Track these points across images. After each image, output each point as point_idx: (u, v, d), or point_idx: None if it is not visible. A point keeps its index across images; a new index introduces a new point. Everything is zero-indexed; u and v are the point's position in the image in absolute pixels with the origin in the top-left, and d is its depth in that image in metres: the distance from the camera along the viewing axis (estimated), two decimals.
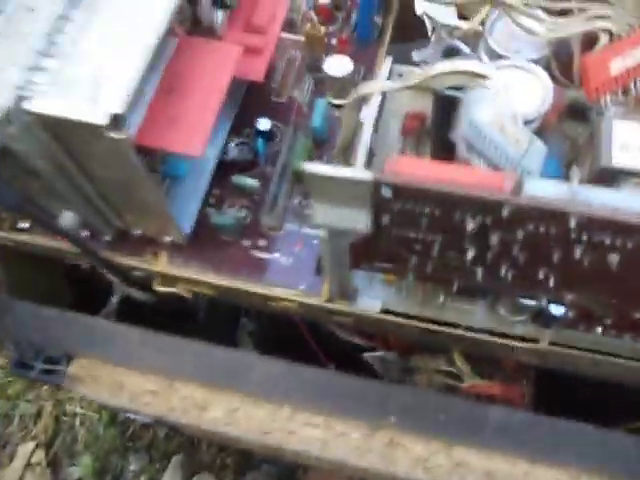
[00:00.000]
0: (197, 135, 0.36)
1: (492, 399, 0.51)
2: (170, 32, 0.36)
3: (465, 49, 0.37)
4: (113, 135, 0.31)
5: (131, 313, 0.60)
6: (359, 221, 0.29)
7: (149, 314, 0.53)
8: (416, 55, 0.38)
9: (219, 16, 0.43)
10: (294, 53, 0.56)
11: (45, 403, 0.99)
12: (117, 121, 0.31)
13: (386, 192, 0.26)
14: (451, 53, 0.37)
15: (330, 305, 0.42)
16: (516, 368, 0.51)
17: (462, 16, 0.45)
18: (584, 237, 0.26)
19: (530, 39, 0.38)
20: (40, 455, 0.99)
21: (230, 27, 0.46)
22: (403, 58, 0.56)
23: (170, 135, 0.36)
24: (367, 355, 0.59)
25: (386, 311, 0.42)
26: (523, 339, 0.41)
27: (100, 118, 0.31)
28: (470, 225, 0.27)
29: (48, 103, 0.32)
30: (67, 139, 0.33)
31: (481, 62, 0.36)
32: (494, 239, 0.28)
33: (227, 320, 0.83)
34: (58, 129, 0.32)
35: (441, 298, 0.41)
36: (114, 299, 0.57)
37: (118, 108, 0.31)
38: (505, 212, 0.26)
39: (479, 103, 0.29)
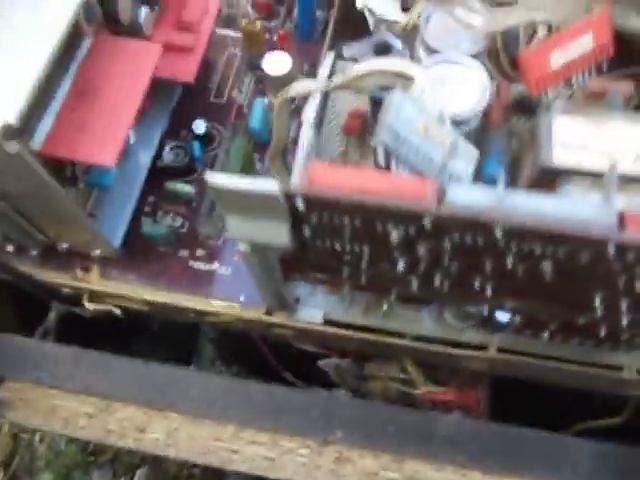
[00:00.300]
0: (110, 143, 0.33)
1: (448, 405, 0.49)
2: (79, 32, 0.33)
3: (397, 44, 0.35)
4: (7, 149, 0.28)
5: (75, 328, 0.57)
6: (278, 235, 0.26)
7: (96, 327, 0.50)
8: (346, 51, 0.36)
9: (143, 13, 0.40)
10: (234, 51, 0.53)
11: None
12: (11, 132, 0.28)
13: (299, 204, 0.24)
14: (382, 48, 0.35)
15: (269, 318, 0.39)
16: (471, 373, 0.49)
17: (405, 9, 0.43)
18: (513, 246, 0.24)
19: (468, 32, 0.36)
20: None
21: (159, 25, 0.43)
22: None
23: (80, 143, 0.33)
24: (322, 362, 0.57)
25: (328, 321, 0.40)
26: (471, 346, 0.39)
27: None
28: (394, 236, 0.25)
29: None
30: None
31: (409, 59, 0.34)
32: (421, 250, 0.26)
33: (185, 327, 0.80)
34: None
35: (385, 306, 0.39)
36: (52, 315, 0.54)
37: (10, 118, 0.28)
38: (427, 223, 0.24)
39: (400, 104, 0.27)
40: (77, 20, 0.32)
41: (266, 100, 0.48)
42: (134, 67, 0.35)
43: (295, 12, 0.53)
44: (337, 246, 0.28)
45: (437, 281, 0.29)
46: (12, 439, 0.93)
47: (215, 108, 0.50)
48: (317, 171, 0.25)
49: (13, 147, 0.28)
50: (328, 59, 0.50)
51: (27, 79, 0.29)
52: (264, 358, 0.63)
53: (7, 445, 0.93)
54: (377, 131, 0.26)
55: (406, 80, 0.30)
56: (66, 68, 0.33)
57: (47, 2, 0.31)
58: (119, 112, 0.34)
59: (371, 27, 0.44)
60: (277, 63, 0.47)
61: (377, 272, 0.30)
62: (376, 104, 0.38)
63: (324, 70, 0.50)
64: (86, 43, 0.36)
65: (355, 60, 0.35)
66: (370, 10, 0.44)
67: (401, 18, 0.41)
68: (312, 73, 0.51)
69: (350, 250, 0.28)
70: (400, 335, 0.40)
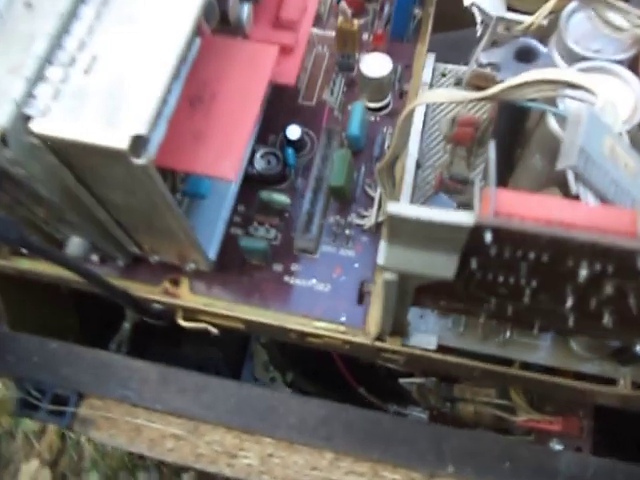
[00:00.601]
0: (230, 154, 0.30)
1: (547, 433, 0.46)
2: (198, 32, 0.30)
3: (542, 49, 0.32)
4: (135, 160, 0.26)
5: (143, 333, 0.55)
6: (445, 267, 0.23)
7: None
8: (484, 57, 0.33)
9: (245, 10, 0.38)
10: (322, 50, 0.50)
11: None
12: (138, 144, 0.26)
13: (487, 237, 0.21)
14: (525, 54, 0.32)
15: (380, 344, 0.36)
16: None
17: (510, 8, 0.40)
18: None
19: (613, 36, 0.33)
20: (45, 474, 0.94)
21: (256, 22, 0.40)
22: (442, 51, 0.50)
23: (197, 155, 0.30)
24: (404, 381, 0.54)
25: (441, 347, 0.37)
26: (598, 379, 0.36)
27: (120, 141, 0.25)
28: (583, 273, 0.22)
29: (55, 123, 0.26)
30: (78, 163, 0.28)
31: (576, 70, 0.30)
32: (609, 288, 0.23)
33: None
34: (67, 153, 0.27)
35: (507, 333, 0.36)
36: (126, 325, 0.52)
37: (140, 128, 0.25)
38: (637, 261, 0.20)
39: (588, 122, 0.23)
40: (199, 20, 0.29)
41: (363, 104, 0.45)
42: (250, 71, 0.33)
43: (387, 9, 0.50)
44: (502, 278, 0.25)
45: (606, 319, 0.26)
46: (59, 438, 0.93)
47: (304, 111, 0.47)
48: (504, 200, 0.21)
49: (141, 160, 0.26)
50: (429, 61, 0.47)
51: (155, 85, 0.27)
52: (329, 368, 0.61)
53: (55, 444, 0.92)
54: (566, 153, 0.23)
55: (568, 90, 0.26)
56: (179, 71, 0.30)
57: (172, 4, 0.28)
58: (238, 120, 0.31)
59: (478, 27, 0.40)
60: (376, 64, 0.44)
61: (533, 306, 0.27)
62: (513, 114, 0.34)
63: (426, 74, 0.46)
64: (197, 43, 0.33)
65: (493, 67, 0.32)
66: (480, 9, 0.40)
67: (523, 18, 0.38)
68: (405, 74, 0.48)
69: (515, 283, 0.25)
70: (519, 364, 0.37)
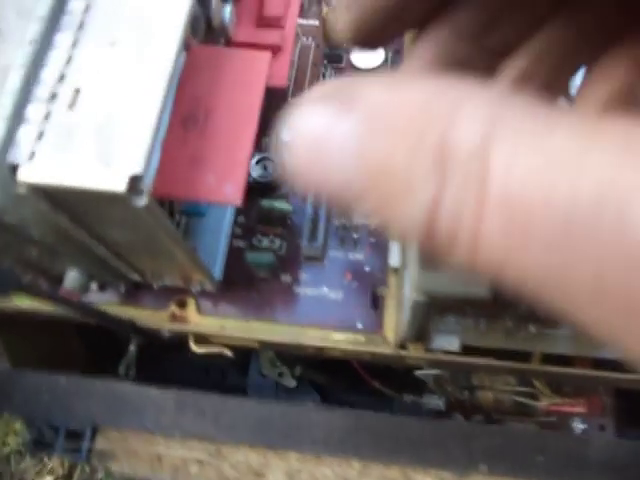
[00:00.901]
0: (232, 176, 0.28)
1: (570, 415, 0.46)
2: (185, 48, 0.28)
3: None
4: (135, 201, 0.24)
5: (149, 345, 0.53)
6: (479, 286, 0.22)
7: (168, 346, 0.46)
8: None
9: (227, 13, 0.35)
10: (307, 41, 0.47)
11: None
12: (136, 183, 0.24)
13: None
14: None
15: (404, 352, 0.35)
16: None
17: None
18: None
19: None
20: None
21: (239, 24, 0.38)
22: None
23: (196, 180, 0.28)
24: (419, 373, 0.53)
25: (465, 347, 0.36)
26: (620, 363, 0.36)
27: (116, 183, 0.23)
28: None
29: (42, 168, 0.24)
30: (72, 207, 0.26)
31: None
32: None
33: None
34: (60, 198, 0.25)
35: (531, 328, 0.35)
36: (132, 348, 0.50)
37: (137, 167, 0.23)
38: None
39: None
40: (186, 36, 0.27)
41: None
42: (244, 82, 0.30)
43: None
44: None
45: None
46: None
47: None
48: None
49: (141, 201, 0.24)
50: None
51: (146, 115, 0.24)
52: (340, 364, 0.60)
53: (65, 458, 0.91)
54: None
55: None
56: (168, 91, 0.28)
57: (155, 21, 0.26)
58: (237, 137, 0.29)
59: None
60: (368, 55, 0.42)
61: None
62: None
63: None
64: (182, 57, 0.30)
65: None
66: None
67: None
68: (397, 62, 0.46)
69: None
70: (540, 355, 0.36)
